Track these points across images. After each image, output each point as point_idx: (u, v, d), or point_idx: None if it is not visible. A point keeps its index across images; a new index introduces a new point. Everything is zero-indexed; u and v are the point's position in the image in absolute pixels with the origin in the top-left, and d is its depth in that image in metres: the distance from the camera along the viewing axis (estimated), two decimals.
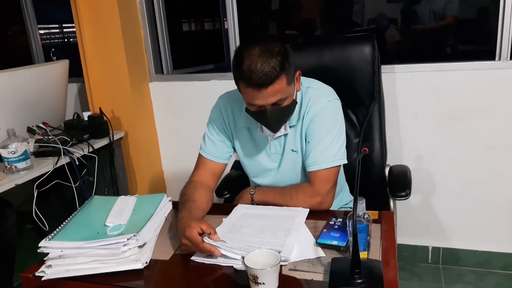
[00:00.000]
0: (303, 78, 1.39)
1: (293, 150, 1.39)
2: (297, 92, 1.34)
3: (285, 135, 1.38)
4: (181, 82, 2.58)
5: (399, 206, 2.26)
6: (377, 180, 1.79)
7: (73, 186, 2.06)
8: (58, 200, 2.34)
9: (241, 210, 1.36)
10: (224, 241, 1.12)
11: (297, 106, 1.35)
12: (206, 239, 1.10)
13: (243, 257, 0.99)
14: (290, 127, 1.37)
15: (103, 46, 2.40)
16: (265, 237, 1.17)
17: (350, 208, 1.62)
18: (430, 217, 2.31)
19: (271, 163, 1.44)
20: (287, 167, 1.42)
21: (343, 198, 1.60)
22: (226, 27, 2.63)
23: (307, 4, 3.47)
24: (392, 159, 1.94)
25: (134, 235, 1.10)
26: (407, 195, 1.52)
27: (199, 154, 1.48)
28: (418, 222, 2.33)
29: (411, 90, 2.15)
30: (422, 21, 2.87)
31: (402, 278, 2.26)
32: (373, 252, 1.10)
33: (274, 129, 1.32)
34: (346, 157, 1.37)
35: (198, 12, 3.38)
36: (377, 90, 1.78)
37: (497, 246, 2.24)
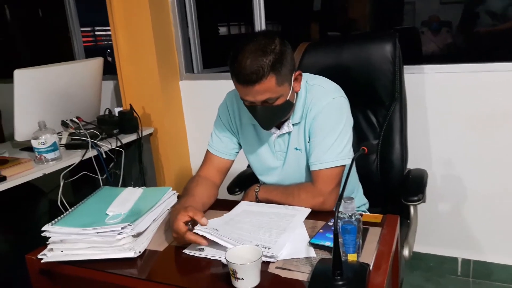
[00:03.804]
0: (309, 75, 1.36)
1: (296, 149, 1.37)
2: (298, 92, 1.31)
3: (289, 133, 1.36)
4: (210, 81, 2.63)
5: (427, 214, 2.15)
6: (397, 185, 1.72)
7: (100, 178, 2.16)
8: (86, 191, 2.44)
9: (243, 207, 1.36)
10: (216, 229, 1.13)
11: (301, 104, 1.33)
12: (196, 229, 1.11)
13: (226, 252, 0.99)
14: (293, 125, 1.34)
15: (135, 45, 2.49)
16: (259, 233, 1.16)
17: (362, 211, 1.57)
18: (460, 227, 2.18)
19: (275, 161, 1.43)
20: (291, 165, 1.40)
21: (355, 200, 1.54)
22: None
23: (352, 4, 3.38)
24: (418, 164, 1.84)
25: (129, 225, 1.13)
26: (420, 199, 1.44)
27: (207, 150, 1.49)
28: (447, 232, 2.21)
29: (441, 92, 2.04)
30: (477, 24, 2.73)
31: None
32: (367, 256, 1.06)
33: (265, 127, 1.30)
34: (351, 157, 1.33)
35: (233, 16, 3.42)
36: (398, 90, 1.71)
37: None
